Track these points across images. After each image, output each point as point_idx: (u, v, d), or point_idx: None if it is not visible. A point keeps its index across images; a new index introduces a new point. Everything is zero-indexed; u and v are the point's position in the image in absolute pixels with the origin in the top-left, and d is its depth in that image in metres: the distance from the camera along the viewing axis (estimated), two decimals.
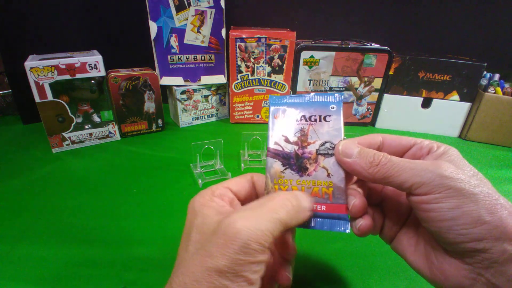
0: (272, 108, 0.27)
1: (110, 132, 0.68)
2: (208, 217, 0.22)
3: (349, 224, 0.24)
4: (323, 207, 0.25)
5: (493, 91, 0.72)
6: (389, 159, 0.22)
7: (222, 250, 0.18)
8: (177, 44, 0.73)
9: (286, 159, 0.25)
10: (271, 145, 0.26)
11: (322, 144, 0.25)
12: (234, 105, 0.80)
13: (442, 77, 0.75)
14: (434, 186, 0.20)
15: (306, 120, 0.26)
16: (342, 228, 0.24)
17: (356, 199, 0.24)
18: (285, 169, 0.25)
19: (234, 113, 0.81)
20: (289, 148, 0.26)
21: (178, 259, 0.22)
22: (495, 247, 0.18)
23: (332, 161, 0.25)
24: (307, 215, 0.23)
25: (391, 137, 0.26)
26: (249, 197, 0.27)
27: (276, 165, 0.26)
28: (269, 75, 0.77)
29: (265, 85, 0.78)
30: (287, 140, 0.26)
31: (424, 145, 0.24)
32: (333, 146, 0.25)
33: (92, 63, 0.60)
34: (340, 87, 0.79)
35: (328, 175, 0.25)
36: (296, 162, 0.25)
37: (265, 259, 0.19)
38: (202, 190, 0.25)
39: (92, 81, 0.63)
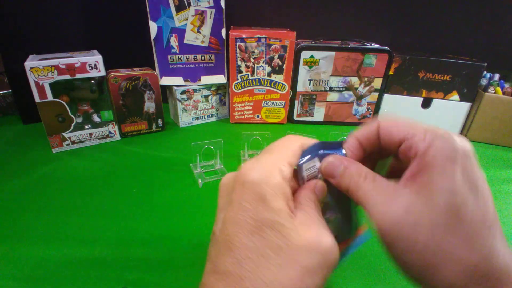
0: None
1: (110, 132, 0.68)
2: (282, 215, 0.20)
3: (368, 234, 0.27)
4: None
5: (493, 91, 0.72)
6: (357, 190, 0.22)
7: (326, 274, 0.20)
8: (177, 44, 0.73)
9: None
10: None
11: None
12: (234, 105, 0.80)
13: (442, 77, 0.75)
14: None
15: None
16: (364, 240, 0.28)
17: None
18: None
19: (234, 113, 0.81)
20: None
21: (247, 260, 0.19)
22: None
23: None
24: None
25: (385, 127, 0.23)
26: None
27: None
28: (269, 75, 0.77)
29: (265, 85, 0.78)
30: None
31: (414, 143, 0.21)
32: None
33: (92, 63, 0.60)
34: (340, 87, 0.79)
35: None
36: None
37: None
38: (262, 161, 0.22)
39: (92, 81, 0.63)
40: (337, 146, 0.24)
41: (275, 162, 0.22)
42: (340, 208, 0.25)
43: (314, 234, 0.20)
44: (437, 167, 0.19)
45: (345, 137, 0.25)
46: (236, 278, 0.18)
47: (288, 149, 0.23)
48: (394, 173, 0.24)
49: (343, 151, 0.24)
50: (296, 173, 0.24)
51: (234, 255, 0.19)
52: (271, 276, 0.18)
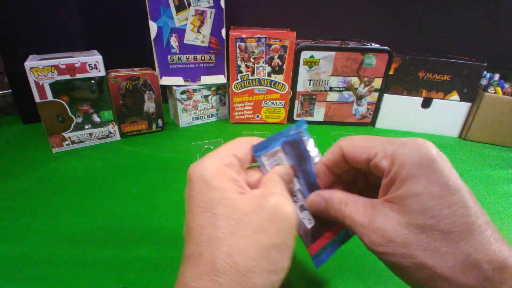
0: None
1: (110, 132, 0.68)
2: (228, 192, 0.21)
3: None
4: None
5: (493, 91, 0.72)
6: (344, 217, 0.23)
7: (278, 227, 0.20)
8: (177, 44, 0.73)
9: None
10: None
11: None
12: (234, 105, 0.80)
13: (442, 77, 0.75)
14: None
15: None
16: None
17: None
18: None
19: (234, 113, 0.81)
20: None
21: (200, 235, 0.20)
22: None
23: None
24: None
25: (348, 151, 0.24)
26: (249, 161, 0.26)
27: None
28: (269, 75, 0.77)
29: (265, 85, 0.78)
30: None
31: (378, 164, 0.22)
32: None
33: (92, 63, 0.60)
34: (340, 87, 0.79)
35: None
36: None
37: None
38: (205, 157, 0.23)
39: (92, 81, 0.63)
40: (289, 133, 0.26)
41: (216, 155, 0.23)
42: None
43: (261, 197, 0.21)
44: (403, 180, 0.20)
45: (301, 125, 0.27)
46: (196, 256, 0.19)
47: (234, 145, 0.25)
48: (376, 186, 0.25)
49: (299, 130, 0.26)
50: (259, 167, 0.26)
51: (192, 239, 0.20)
52: (224, 243, 0.19)
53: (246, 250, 0.19)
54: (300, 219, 0.26)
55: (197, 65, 0.77)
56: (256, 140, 0.26)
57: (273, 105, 0.81)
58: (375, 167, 0.22)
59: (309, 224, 0.27)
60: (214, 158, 0.23)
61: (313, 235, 0.26)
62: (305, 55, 0.75)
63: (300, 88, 0.79)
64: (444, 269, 0.18)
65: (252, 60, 0.75)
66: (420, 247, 0.18)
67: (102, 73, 0.62)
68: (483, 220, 0.18)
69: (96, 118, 0.67)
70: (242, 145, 0.25)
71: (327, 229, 0.27)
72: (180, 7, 0.70)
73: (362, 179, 0.27)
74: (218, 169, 0.22)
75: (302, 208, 0.27)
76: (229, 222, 0.20)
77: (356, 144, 0.23)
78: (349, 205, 0.23)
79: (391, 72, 0.77)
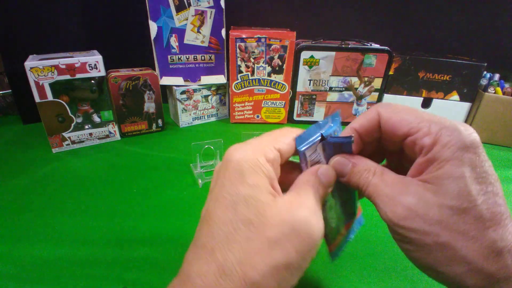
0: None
1: (110, 132, 0.68)
2: (258, 191, 0.20)
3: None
4: None
5: (493, 91, 0.72)
6: (368, 186, 0.22)
7: (298, 248, 0.19)
8: (177, 44, 0.73)
9: None
10: None
11: None
12: (234, 105, 0.80)
13: (442, 77, 0.75)
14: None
15: None
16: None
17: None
18: None
19: (234, 113, 0.81)
20: None
21: (220, 232, 0.19)
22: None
23: None
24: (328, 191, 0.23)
25: (387, 120, 0.22)
26: (289, 156, 0.24)
27: None
28: (269, 75, 0.77)
29: (265, 85, 0.78)
30: None
31: (418, 140, 0.21)
32: None
33: (92, 63, 0.60)
34: (340, 87, 0.79)
35: None
36: None
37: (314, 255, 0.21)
38: (249, 144, 0.22)
39: (92, 81, 0.63)
40: (336, 131, 0.25)
41: (261, 145, 0.22)
42: (343, 193, 0.26)
43: (290, 208, 0.20)
44: (445, 160, 0.19)
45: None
46: (208, 250, 0.19)
47: (278, 135, 0.23)
48: (401, 166, 0.24)
49: (352, 138, 0.23)
50: (299, 160, 0.24)
51: (209, 228, 0.20)
52: (239, 248, 0.19)
53: (257, 264, 0.18)
54: (326, 218, 0.25)
55: (197, 65, 0.77)
56: (299, 132, 0.24)
57: (273, 105, 0.81)
58: (412, 144, 0.21)
59: (332, 222, 0.26)
60: (258, 148, 0.21)
61: (334, 232, 0.26)
62: (305, 55, 0.75)
63: (300, 88, 0.79)
64: (468, 252, 0.18)
65: (252, 60, 0.75)
66: (449, 228, 0.18)
67: (102, 73, 0.62)
68: (509, 213, 0.19)
69: (96, 118, 0.67)
70: (287, 136, 0.23)
71: (344, 225, 0.27)
72: (180, 7, 0.70)
73: (379, 154, 0.26)
74: (257, 163, 0.20)
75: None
76: (249, 227, 0.19)
77: (398, 115, 0.22)
78: (377, 174, 0.22)
79: (391, 72, 0.76)
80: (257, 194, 0.19)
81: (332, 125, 0.24)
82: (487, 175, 0.19)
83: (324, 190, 0.22)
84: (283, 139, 0.23)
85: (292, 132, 0.24)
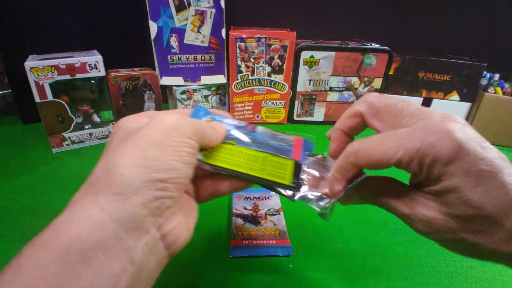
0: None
1: (110, 132, 0.68)
2: (130, 128, 0.22)
3: (292, 249, 0.38)
4: (274, 242, 0.39)
5: (493, 91, 0.72)
6: (388, 206, 0.22)
7: (156, 129, 0.21)
8: (177, 44, 0.73)
9: (245, 217, 0.43)
10: (234, 210, 0.44)
11: (269, 209, 0.45)
12: (234, 105, 0.80)
13: (442, 77, 0.75)
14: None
15: (257, 199, 0.47)
16: (287, 253, 0.38)
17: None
18: (245, 223, 0.42)
19: (234, 113, 0.81)
20: (246, 212, 0.44)
21: (102, 157, 0.22)
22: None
23: (275, 217, 0.43)
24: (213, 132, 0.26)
25: (364, 160, 0.22)
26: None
27: (238, 221, 0.43)
28: (269, 75, 0.77)
29: (265, 85, 0.78)
30: (245, 208, 0.45)
31: (406, 169, 0.20)
32: (275, 210, 0.45)
33: (92, 63, 0.60)
34: (340, 87, 0.79)
35: (274, 224, 0.42)
36: (252, 219, 0.43)
37: (190, 144, 0.22)
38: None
39: (92, 81, 0.63)
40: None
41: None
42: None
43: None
44: (437, 177, 0.19)
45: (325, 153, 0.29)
46: (92, 176, 0.21)
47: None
48: None
49: (365, 175, 0.25)
50: None
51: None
52: (109, 151, 0.21)
53: (120, 151, 0.20)
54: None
55: (197, 65, 0.77)
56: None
57: (273, 105, 0.81)
58: (402, 168, 0.21)
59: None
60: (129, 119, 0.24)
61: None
62: (305, 55, 0.75)
63: (300, 88, 0.79)
64: (490, 244, 0.18)
65: (252, 60, 0.75)
66: (465, 231, 0.19)
67: (102, 73, 0.62)
68: None
69: (96, 118, 0.67)
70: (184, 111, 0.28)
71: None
72: (180, 7, 0.70)
73: None
74: (132, 117, 0.24)
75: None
76: (122, 137, 0.21)
77: (369, 153, 0.21)
78: (384, 193, 0.22)
79: (391, 72, 0.77)
80: (128, 130, 0.22)
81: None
82: (482, 172, 0.18)
83: (205, 125, 0.25)
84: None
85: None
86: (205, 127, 0.25)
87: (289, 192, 0.26)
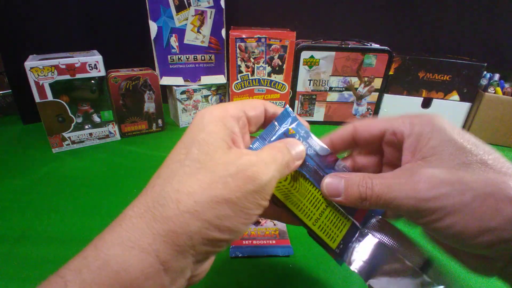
0: None
1: (110, 132, 0.68)
2: (214, 136, 0.20)
3: (292, 249, 0.38)
4: (274, 242, 0.39)
5: (493, 91, 0.72)
6: (371, 188, 0.21)
7: (240, 185, 0.18)
8: (177, 44, 0.73)
9: None
10: None
11: None
12: None
13: (442, 77, 0.75)
14: (427, 210, 0.19)
15: None
16: (287, 253, 0.38)
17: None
18: None
19: None
20: None
21: (165, 169, 0.19)
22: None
23: None
24: (295, 165, 0.23)
25: (362, 126, 0.24)
26: (259, 125, 0.25)
27: None
28: (269, 75, 0.77)
29: (265, 85, 0.78)
30: None
31: (396, 130, 0.22)
32: None
33: (92, 63, 0.60)
34: (340, 87, 0.79)
35: (274, 224, 0.41)
36: None
37: (266, 205, 0.20)
38: (214, 105, 0.22)
39: (92, 81, 0.63)
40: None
41: (225, 104, 0.22)
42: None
43: (241, 154, 0.20)
44: (429, 134, 0.21)
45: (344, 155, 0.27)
46: (150, 186, 0.19)
47: (245, 102, 0.24)
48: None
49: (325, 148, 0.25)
50: None
51: (158, 170, 0.20)
52: (179, 179, 0.18)
53: (195, 193, 0.17)
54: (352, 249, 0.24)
55: (197, 65, 0.77)
56: (270, 107, 0.25)
57: None
58: (392, 136, 0.23)
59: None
60: (222, 106, 0.22)
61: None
62: (305, 55, 0.75)
63: (300, 88, 0.79)
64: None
65: (252, 60, 0.75)
66: (467, 182, 0.18)
67: (102, 73, 0.62)
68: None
69: (96, 118, 0.67)
70: (255, 105, 0.24)
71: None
72: (180, 7, 0.69)
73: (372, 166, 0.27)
74: (219, 115, 0.21)
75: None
76: (195, 164, 0.19)
77: (370, 121, 0.24)
78: (374, 177, 0.21)
79: (391, 72, 0.76)
80: (212, 140, 0.19)
81: (278, 128, 0.24)
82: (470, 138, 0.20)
83: (290, 157, 0.22)
84: (251, 106, 0.23)
85: (262, 103, 0.24)
86: (286, 169, 0.21)
87: (332, 255, 0.24)
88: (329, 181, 0.23)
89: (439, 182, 0.19)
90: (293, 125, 0.24)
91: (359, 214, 0.25)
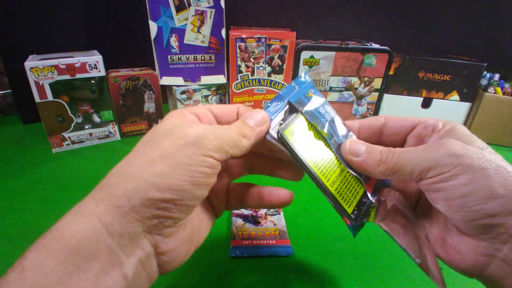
0: None
1: (110, 132, 0.68)
2: (172, 124, 0.21)
3: (292, 249, 0.38)
4: (274, 241, 0.39)
5: (493, 91, 0.72)
6: (393, 152, 0.22)
7: (172, 141, 0.19)
8: (177, 44, 0.73)
9: (245, 217, 0.43)
10: (234, 210, 0.44)
11: (269, 209, 0.44)
12: None
13: (442, 77, 0.75)
14: (442, 166, 0.20)
15: None
16: (287, 253, 0.38)
17: None
18: (245, 223, 0.42)
19: None
20: (246, 212, 0.44)
21: (122, 160, 0.21)
22: (511, 221, 0.18)
23: (275, 217, 0.43)
24: (260, 130, 0.23)
25: (394, 118, 0.26)
26: (230, 121, 0.26)
27: (238, 221, 0.42)
28: (269, 75, 0.77)
29: (265, 85, 0.78)
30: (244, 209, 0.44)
31: (429, 123, 0.24)
32: (275, 210, 0.44)
33: (92, 63, 0.60)
34: (340, 87, 0.79)
35: (275, 224, 0.42)
36: (252, 219, 0.43)
37: (211, 162, 0.20)
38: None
39: (92, 81, 0.63)
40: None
41: (193, 107, 0.25)
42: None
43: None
44: (463, 131, 0.23)
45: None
46: (104, 179, 0.19)
47: (219, 105, 0.26)
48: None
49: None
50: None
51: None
52: (125, 159, 0.20)
53: (133, 160, 0.19)
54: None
55: (197, 65, 0.77)
56: (245, 108, 0.26)
57: None
58: (423, 129, 0.24)
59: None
60: (187, 107, 0.24)
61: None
62: (305, 55, 0.75)
63: None
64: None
65: (252, 60, 0.75)
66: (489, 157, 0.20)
67: (102, 73, 0.62)
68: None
69: (96, 118, 0.67)
70: (224, 107, 0.26)
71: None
72: (180, 7, 0.69)
73: None
74: (181, 111, 0.23)
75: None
76: (143, 145, 0.20)
77: (400, 117, 0.26)
78: (396, 150, 0.23)
79: (391, 72, 0.77)
80: (168, 126, 0.21)
81: (298, 89, 0.25)
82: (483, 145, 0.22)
83: (242, 125, 0.23)
84: (220, 105, 0.26)
85: (235, 106, 0.26)
86: (238, 139, 0.22)
87: (347, 220, 0.24)
88: (353, 141, 0.25)
89: (460, 147, 0.20)
90: (312, 90, 0.26)
91: (368, 185, 0.26)
